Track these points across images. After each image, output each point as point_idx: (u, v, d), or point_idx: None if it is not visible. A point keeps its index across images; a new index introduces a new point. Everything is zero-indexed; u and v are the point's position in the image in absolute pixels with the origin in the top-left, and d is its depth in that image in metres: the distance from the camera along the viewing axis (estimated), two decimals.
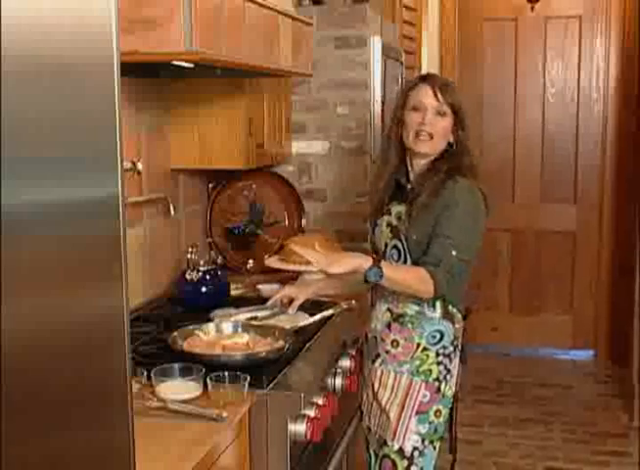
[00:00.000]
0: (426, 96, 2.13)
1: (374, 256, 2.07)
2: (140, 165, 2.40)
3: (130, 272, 1.12)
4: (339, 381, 2.22)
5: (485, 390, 4.47)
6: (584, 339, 5.09)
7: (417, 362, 2.16)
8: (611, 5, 4.84)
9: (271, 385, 1.93)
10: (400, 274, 2.05)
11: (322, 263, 1.99)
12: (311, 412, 1.96)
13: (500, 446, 3.80)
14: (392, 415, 2.17)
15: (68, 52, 0.98)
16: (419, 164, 2.18)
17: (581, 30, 4.93)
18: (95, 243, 1.06)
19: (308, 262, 2.84)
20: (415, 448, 2.17)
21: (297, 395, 1.90)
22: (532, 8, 4.88)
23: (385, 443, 2.20)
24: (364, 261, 1.98)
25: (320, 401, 2.03)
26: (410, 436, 2.16)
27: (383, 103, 3.29)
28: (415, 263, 2.10)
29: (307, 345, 2.25)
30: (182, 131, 2.85)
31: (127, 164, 2.33)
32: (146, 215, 2.71)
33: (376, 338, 2.24)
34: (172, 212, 2.71)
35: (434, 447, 2.20)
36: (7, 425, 0.88)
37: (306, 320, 2.38)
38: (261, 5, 2.21)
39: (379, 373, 2.22)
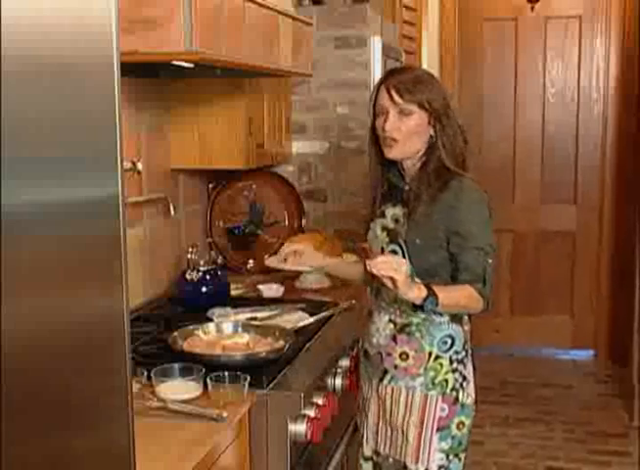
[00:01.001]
0: (383, 99, 1.98)
1: (426, 283, 1.88)
2: (140, 165, 2.39)
3: (130, 272, 1.12)
4: (339, 381, 2.22)
5: (490, 391, 4.47)
6: (584, 339, 5.09)
7: (431, 374, 2.01)
8: (611, 5, 4.84)
9: (271, 385, 1.93)
10: (454, 297, 1.92)
11: (402, 284, 1.81)
12: (311, 412, 1.96)
13: (501, 446, 3.80)
14: (412, 436, 2.02)
15: (68, 52, 0.98)
16: (408, 165, 2.04)
17: (581, 30, 4.93)
18: (95, 243, 1.06)
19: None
20: (441, 467, 2.03)
21: (297, 395, 1.90)
22: (532, 8, 4.88)
23: (405, 467, 2.05)
24: (419, 293, 1.84)
25: (320, 401, 2.03)
26: (434, 456, 2.02)
27: None
28: (420, 274, 1.93)
29: (307, 345, 2.25)
30: (182, 131, 2.85)
31: (127, 164, 2.32)
32: (146, 215, 2.71)
33: (381, 354, 2.07)
34: (172, 212, 2.71)
35: (460, 459, 2.07)
36: (7, 425, 0.88)
37: (306, 320, 2.38)
38: (261, 5, 2.21)
39: (389, 391, 2.06)
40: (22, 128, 0.89)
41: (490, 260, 1.94)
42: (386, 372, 2.07)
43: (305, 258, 2.27)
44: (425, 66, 4.61)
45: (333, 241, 3.00)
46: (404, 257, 1.98)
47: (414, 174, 2.04)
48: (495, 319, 4.98)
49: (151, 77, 2.65)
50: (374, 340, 2.10)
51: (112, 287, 1.10)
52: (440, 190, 1.96)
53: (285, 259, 2.29)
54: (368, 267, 1.81)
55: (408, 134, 1.97)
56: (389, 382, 2.06)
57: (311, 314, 2.43)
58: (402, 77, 1.98)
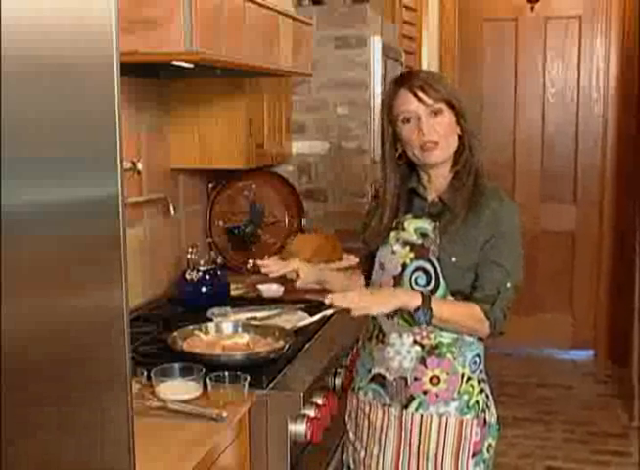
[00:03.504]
0: (409, 102, 1.83)
1: (421, 291, 1.81)
2: (140, 165, 2.40)
3: (130, 272, 1.12)
4: (338, 381, 2.22)
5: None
6: (584, 339, 5.09)
7: (465, 397, 1.89)
8: (611, 5, 4.85)
9: (271, 385, 1.93)
10: (452, 313, 1.80)
11: (361, 306, 1.76)
12: (311, 412, 1.96)
13: (500, 446, 3.76)
14: (447, 466, 1.88)
15: (68, 52, 0.98)
16: (437, 174, 1.91)
17: (581, 30, 4.93)
18: (95, 243, 1.06)
19: (308, 262, 2.85)
20: None
21: (296, 395, 1.90)
22: (532, 8, 4.88)
23: None
24: (410, 299, 1.76)
25: (320, 401, 2.03)
26: None
27: None
28: (454, 295, 1.85)
29: (307, 345, 2.25)
30: (182, 131, 2.85)
31: (127, 164, 2.32)
32: (146, 215, 2.71)
33: (406, 379, 1.89)
34: (172, 212, 2.71)
35: None
36: (7, 425, 0.88)
37: (306, 320, 2.38)
38: (261, 5, 2.21)
39: (417, 419, 1.89)
40: (22, 128, 0.89)
41: (509, 284, 1.82)
42: (412, 399, 1.89)
43: (304, 276, 2.07)
44: (425, 66, 4.62)
45: (333, 241, 3.00)
46: (436, 274, 1.85)
47: (445, 185, 1.91)
48: None
49: (151, 77, 2.65)
50: (394, 364, 1.91)
51: (112, 287, 1.10)
52: (477, 205, 1.85)
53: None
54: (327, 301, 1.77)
55: (445, 134, 1.85)
56: (417, 409, 1.89)
57: (311, 314, 2.42)
58: (420, 78, 1.87)
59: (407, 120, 1.85)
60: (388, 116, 1.90)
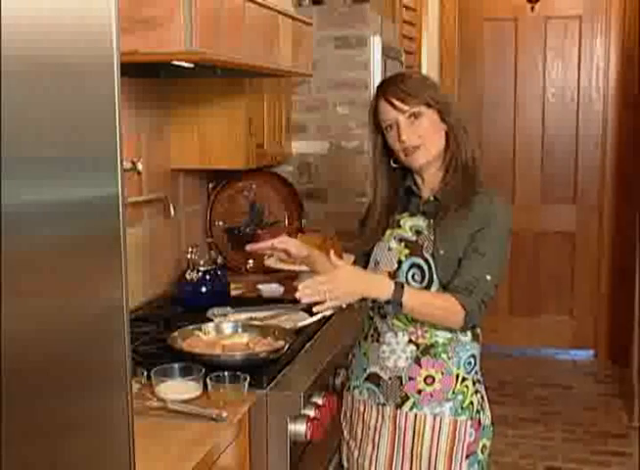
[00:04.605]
0: (388, 112, 1.87)
1: (396, 281, 1.81)
2: (140, 165, 2.39)
3: (130, 272, 1.12)
4: (338, 381, 2.22)
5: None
6: (584, 339, 5.09)
7: (460, 398, 1.88)
8: (611, 5, 4.85)
9: (271, 385, 1.93)
10: (425, 306, 1.80)
11: (332, 297, 1.76)
12: (311, 412, 1.96)
13: (500, 446, 3.80)
14: (441, 466, 1.88)
15: (68, 52, 0.98)
16: (429, 175, 1.93)
17: (581, 30, 4.93)
18: (95, 243, 1.06)
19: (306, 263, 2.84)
20: None
21: (296, 395, 1.90)
22: (532, 8, 4.88)
23: None
24: (380, 293, 1.77)
25: (320, 401, 2.03)
26: None
27: None
28: (444, 287, 1.85)
29: (307, 345, 2.25)
30: (182, 131, 2.85)
31: (127, 165, 2.32)
32: (146, 215, 2.71)
33: (401, 378, 1.90)
34: (172, 212, 2.71)
35: None
36: (7, 425, 0.88)
37: (306, 320, 2.38)
38: (261, 5, 2.21)
39: (411, 418, 1.89)
40: (23, 128, 0.89)
41: (489, 277, 1.82)
42: (406, 398, 1.89)
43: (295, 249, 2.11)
44: (425, 66, 4.62)
45: (333, 241, 3.00)
46: (430, 271, 1.86)
47: (437, 184, 1.93)
48: (494, 319, 4.97)
49: (151, 77, 2.65)
50: (389, 363, 1.91)
51: (112, 287, 1.10)
52: (469, 201, 1.87)
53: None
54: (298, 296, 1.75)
55: (427, 136, 1.87)
56: (411, 409, 1.89)
57: (311, 314, 2.42)
58: (397, 84, 1.89)
59: (390, 128, 1.89)
60: (374, 124, 1.94)
